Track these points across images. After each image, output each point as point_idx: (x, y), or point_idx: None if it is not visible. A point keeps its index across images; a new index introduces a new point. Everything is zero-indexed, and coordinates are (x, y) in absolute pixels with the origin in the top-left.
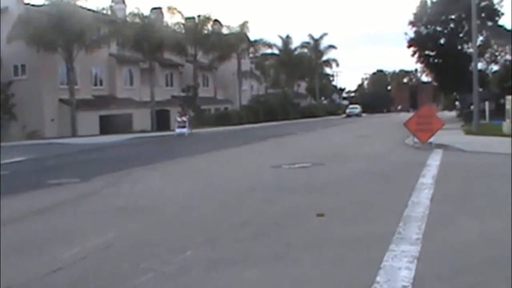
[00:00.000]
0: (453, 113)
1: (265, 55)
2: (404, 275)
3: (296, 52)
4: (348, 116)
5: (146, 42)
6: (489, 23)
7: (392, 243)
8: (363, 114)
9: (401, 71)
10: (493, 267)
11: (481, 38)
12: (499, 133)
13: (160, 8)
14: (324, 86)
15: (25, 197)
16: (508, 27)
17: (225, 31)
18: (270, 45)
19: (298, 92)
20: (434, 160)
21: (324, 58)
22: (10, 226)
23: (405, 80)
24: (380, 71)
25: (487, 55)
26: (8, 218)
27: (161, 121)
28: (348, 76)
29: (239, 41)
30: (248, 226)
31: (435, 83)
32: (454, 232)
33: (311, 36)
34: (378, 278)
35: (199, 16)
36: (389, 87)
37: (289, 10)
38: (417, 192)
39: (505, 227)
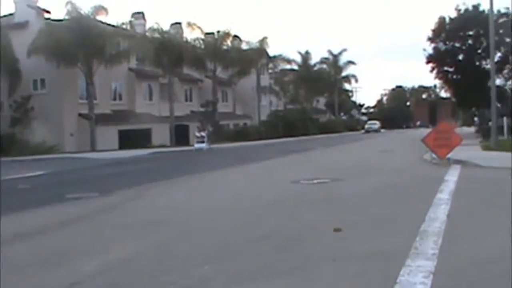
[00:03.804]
0: (472, 129)
1: (284, 71)
2: None
3: (315, 68)
4: (367, 131)
5: (166, 57)
6: (507, 40)
7: (408, 258)
8: (382, 130)
9: (420, 87)
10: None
11: (499, 54)
12: None
13: (179, 24)
14: (343, 102)
15: (44, 211)
16: None
17: (244, 46)
18: (289, 61)
19: (317, 108)
20: (452, 176)
21: (343, 74)
22: (30, 239)
23: (424, 96)
24: (399, 86)
25: (505, 71)
26: (28, 232)
27: (180, 136)
28: (367, 91)
29: (258, 57)
30: (268, 239)
31: (453, 99)
32: (471, 247)
33: (330, 52)
34: None
35: (218, 31)
36: (408, 103)
37: (309, 26)
38: (434, 207)
39: None
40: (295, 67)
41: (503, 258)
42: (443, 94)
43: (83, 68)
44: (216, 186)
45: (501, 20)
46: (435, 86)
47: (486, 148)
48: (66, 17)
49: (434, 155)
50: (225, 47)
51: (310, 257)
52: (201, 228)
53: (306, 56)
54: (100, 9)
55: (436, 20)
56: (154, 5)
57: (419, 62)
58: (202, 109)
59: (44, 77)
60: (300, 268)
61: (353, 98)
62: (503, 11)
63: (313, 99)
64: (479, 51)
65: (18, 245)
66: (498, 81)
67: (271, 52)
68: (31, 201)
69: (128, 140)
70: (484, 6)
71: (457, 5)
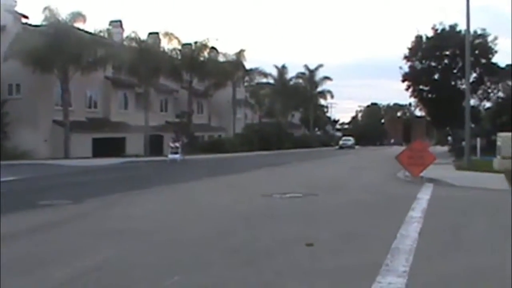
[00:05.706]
0: (445, 148)
1: (260, 84)
2: None
3: (291, 82)
4: (341, 147)
5: (142, 67)
6: (483, 60)
7: (379, 275)
8: (356, 146)
9: (395, 104)
10: None
11: (474, 74)
12: (489, 169)
13: (157, 33)
14: (318, 117)
15: (15, 217)
16: (501, 64)
17: (221, 58)
18: (265, 74)
19: (292, 122)
20: (425, 194)
21: (319, 89)
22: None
23: (398, 113)
24: (374, 104)
25: (480, 92)
26: None
27: (154, 146)
28: (342, 107)
29: (235, 69)
30: (238, 253)
31: (428, 118)
32: (441, 265)
33: (306, 67)
34: None
35: (196, 42)
36: (382, 120)
37: (286, 41)
38: (406, 225)
39: (492, 260)
40: (271, 81)
41: (473, 276)
42: (418, 112)
43: (59, 74)
44: (188, 198)
45: (477, 41)
46: (410, 104)
47: (459, 167)
48: (44, 23)
49: (407, 173)
50: (202, 59)
51: (280, 271)
52: (172, 239)
53: (282, 70)
54: (78, 16)
55: (413, 38)
56: (132, 14)
57: (394, 80)
58: (177, 120)
59: (19, 82)
60: (269, 283)
61: (328, 114)
62: (479, 32)
63: (288, 114)
64: (455, 71)
65: None
66: (473, 102)
67: (248, 65)
68: (1, 207)
69: (102, 148)
70: (461, 27)
71: (434, 25)
